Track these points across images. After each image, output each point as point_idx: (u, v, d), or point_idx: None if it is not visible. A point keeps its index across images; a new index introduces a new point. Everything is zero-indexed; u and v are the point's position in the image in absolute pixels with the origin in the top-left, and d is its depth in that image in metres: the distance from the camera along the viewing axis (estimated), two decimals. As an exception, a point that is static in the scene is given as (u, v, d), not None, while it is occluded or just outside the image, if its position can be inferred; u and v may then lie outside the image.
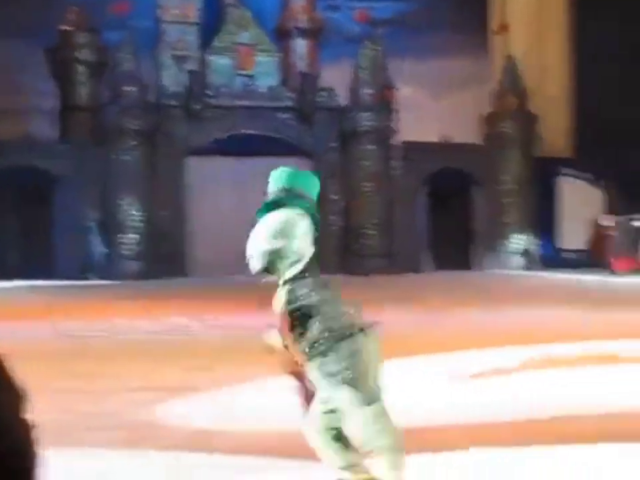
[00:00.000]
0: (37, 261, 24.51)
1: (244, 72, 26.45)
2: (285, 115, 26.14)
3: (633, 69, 25.94)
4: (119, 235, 24.68)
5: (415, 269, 25.76)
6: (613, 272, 24.53)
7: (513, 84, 27.90)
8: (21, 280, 22.82)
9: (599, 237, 26.44)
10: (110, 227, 24.76)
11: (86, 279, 23.87)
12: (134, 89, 25.09)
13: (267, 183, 4.12)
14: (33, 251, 25.08)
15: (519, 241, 27.31)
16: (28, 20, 27.67)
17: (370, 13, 28.69)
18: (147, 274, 23.83)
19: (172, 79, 27.28)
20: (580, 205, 27.63)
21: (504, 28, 29.38)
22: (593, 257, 26.69)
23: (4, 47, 28.42)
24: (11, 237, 25.86)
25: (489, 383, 8.32)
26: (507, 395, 7.70)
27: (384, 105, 26.68)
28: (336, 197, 26.10)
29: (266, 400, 7.42)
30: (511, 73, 27.91)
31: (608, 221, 26.58)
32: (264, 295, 4.21)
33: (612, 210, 27.33)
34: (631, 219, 26.01)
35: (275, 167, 4.23)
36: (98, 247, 24.53)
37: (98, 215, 24.66)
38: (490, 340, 11.10)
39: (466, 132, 29.45)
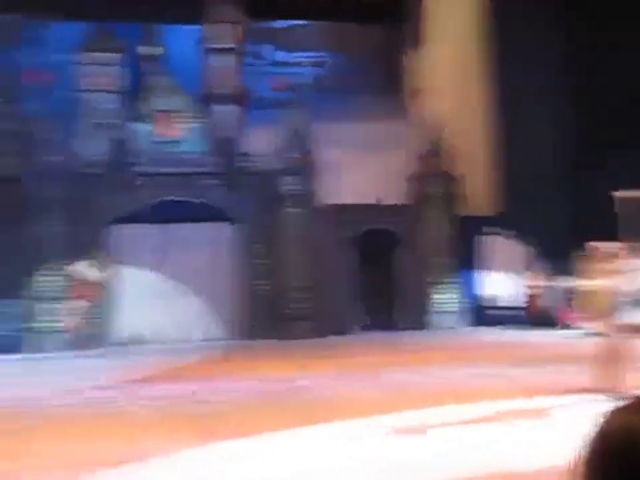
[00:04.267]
0: None
1: (167, 138, 26.42)
2: (210, 181, 26.12)
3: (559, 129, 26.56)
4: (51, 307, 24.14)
5: (344, 331, 25.77)
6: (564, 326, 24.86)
7: (436, 144, 28.36)
8: None
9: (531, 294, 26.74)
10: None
11: None
12: (56, 158, 24.87)
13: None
14: None
15: (445, 300, 27.51)
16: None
17: (292, 79, 29.01)
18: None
19: (94, 147, 27.15)
20: (504, 262, 27.99)
21: (418, 92, 29.96)
22: (530, 314, 26.93)
23: None
24: None
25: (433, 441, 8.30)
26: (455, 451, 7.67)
27: (308, 168, 26.87)
28: (262, 261, 26.08)
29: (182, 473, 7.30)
30: (434, 133, 28.37)
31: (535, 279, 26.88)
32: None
33: (534, 267, 27.72)
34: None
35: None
36: None
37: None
38: (430, 399, 11.07)
39: (390, 193, 29.79)
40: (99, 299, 24.99)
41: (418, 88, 30.18)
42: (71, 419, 11.03)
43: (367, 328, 26.38)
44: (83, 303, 24.69)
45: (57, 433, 9.95)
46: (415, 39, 30.79)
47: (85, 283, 24.83)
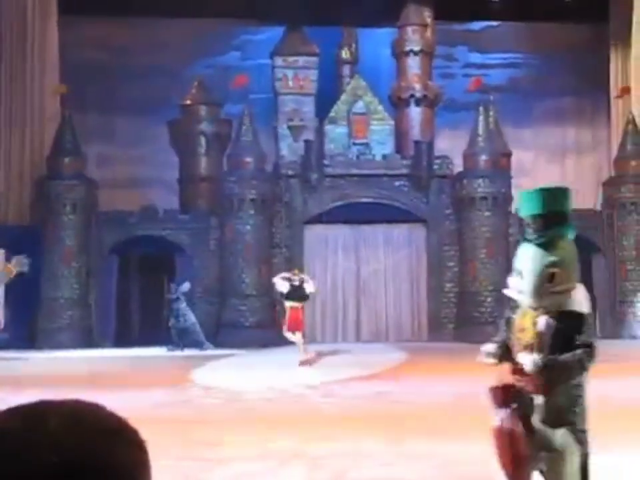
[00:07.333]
0: (156, 328, 24.94)
1: (359, 141, 26.74)
2: (400, 183, 26.21)
3: None
4: (234, 302, 24.86)
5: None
6: None
7: (634, 147, 27.26)
8: (142, 347, 23.26)
9: None
10: (226, 295, 25.05)
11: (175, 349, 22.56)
12: (252, 159, 25.61)
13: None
14: (152, 318, 25.66)
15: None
16: (151, 96, 28.72)
17: (484, 80, 28.69)
18: (267, 342, 23.43)
19: (289, 148, 27.85)
20: None
21: (625, 91, 28.74)
22: None
23: (127, 122, 29.52)
24: (134, 304, 26.60)
25: None
26: None
27: (499, 171, 26.50)
28: (451, 264, 25.95)
29: (384, 471, 7.35)
30: (633, 136, 27.29)
31: None
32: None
33: None
34: None
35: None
36: (186, 317, 23.10)
37: (190, 285, 23.47)
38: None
39: (585, 197, 28.94)
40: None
41: (625, 87, 28.77)
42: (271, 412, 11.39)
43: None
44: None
45: (252, 424, 10.24)
46: (620, 38, 29.49)
47: None
